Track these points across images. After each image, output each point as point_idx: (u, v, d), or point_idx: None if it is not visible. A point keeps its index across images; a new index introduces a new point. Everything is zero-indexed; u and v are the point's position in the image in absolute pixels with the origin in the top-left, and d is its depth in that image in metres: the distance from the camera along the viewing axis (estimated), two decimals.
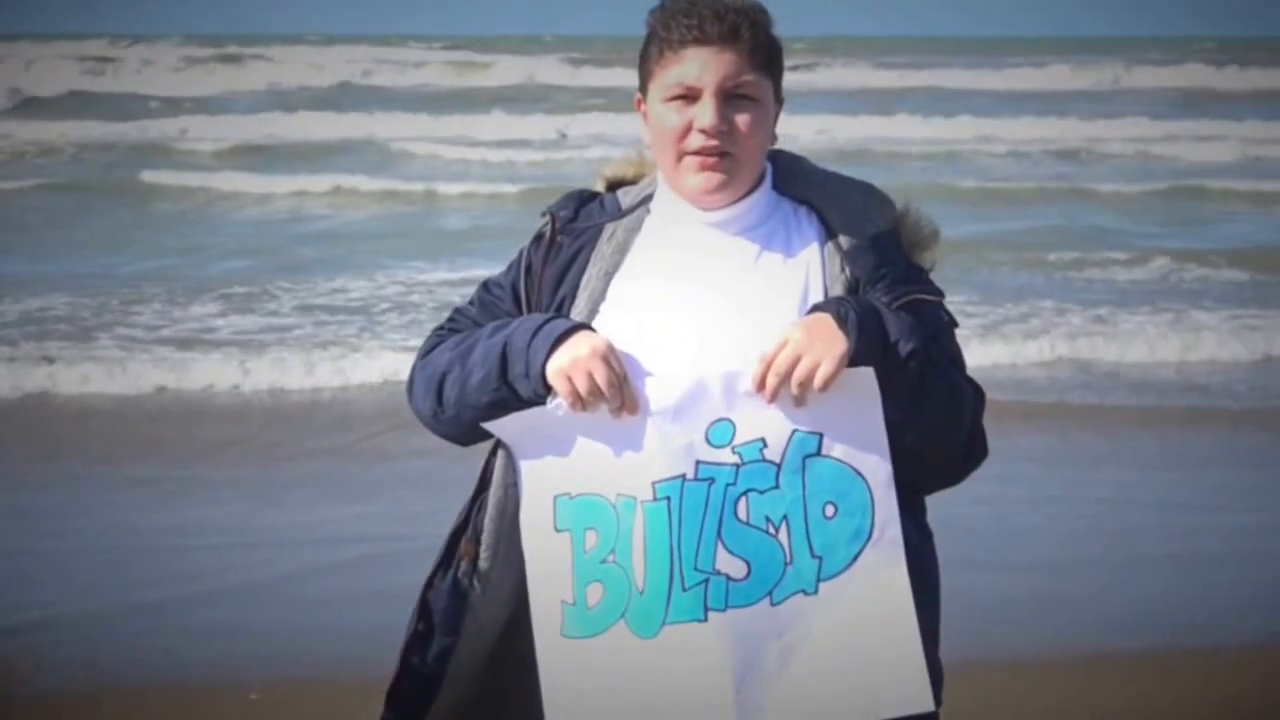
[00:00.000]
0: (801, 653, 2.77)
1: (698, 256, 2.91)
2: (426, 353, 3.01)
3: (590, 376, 2.74)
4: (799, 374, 2.73)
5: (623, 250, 2.95)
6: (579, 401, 2.76)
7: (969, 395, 2.91)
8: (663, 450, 2.76)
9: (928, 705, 2.80)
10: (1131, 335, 12.47)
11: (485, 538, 2.95)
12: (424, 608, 2.99)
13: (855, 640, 2.78)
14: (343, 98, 38.47)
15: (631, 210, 3.00)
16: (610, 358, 2.76)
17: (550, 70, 47.84)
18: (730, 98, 2.86)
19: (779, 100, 2.96)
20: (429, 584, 3.00)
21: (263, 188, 22.51)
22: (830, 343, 2.73)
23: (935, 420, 2.83)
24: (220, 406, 10.61)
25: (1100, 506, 8.19)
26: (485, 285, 3.08)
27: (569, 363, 2.76)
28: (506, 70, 46.99)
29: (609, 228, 2.99)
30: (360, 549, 7.55)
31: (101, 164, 25.59)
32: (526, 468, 2.85)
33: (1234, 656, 6.17)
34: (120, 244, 17.99)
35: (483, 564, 2.95)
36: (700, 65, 2.85)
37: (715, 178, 2.88)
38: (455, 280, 15.28)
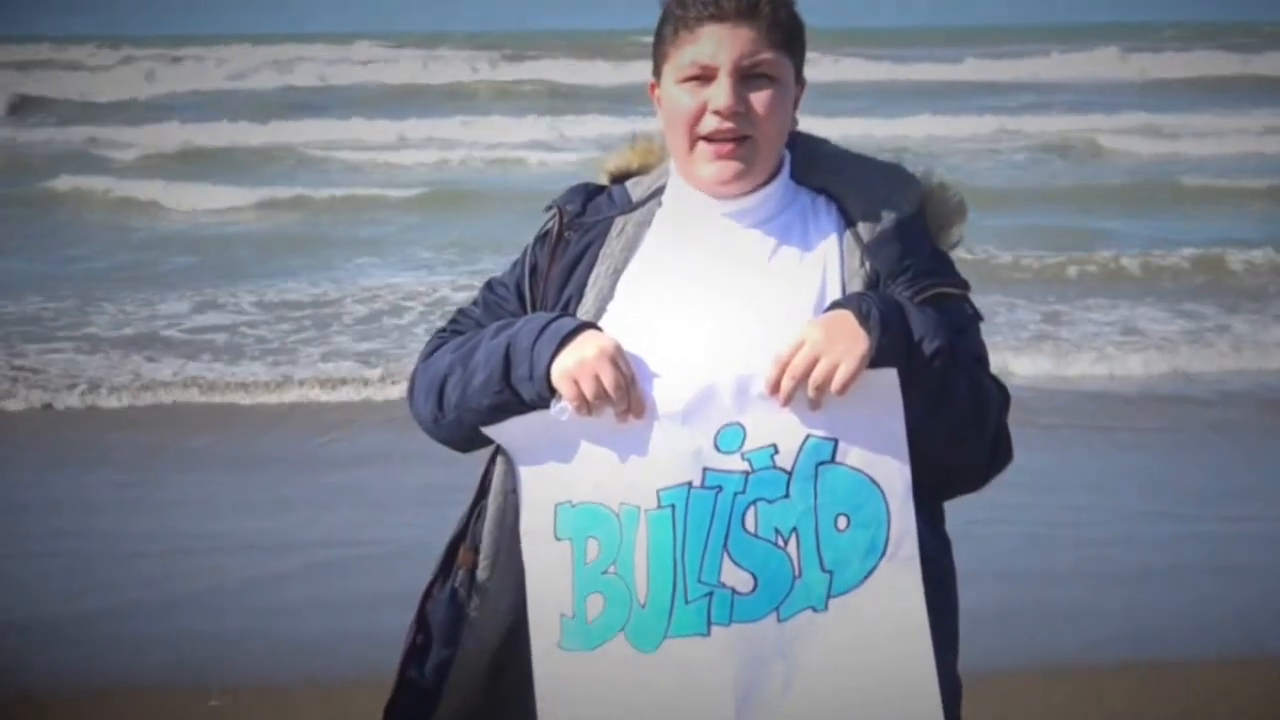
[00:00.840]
0: (807, 672, 2.66)
1: (711, 251, 2.79)
2: (428, 355, 2.89)
3: (597, 379, 2.62)
4: (816, 376, 2.59)
5: (632, 246, 2.82)
6: (585, 405, 2.63)
7: (994, 396, 2.77)
8: (669, 456, 2.64)
9: None
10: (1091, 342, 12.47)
11: (484, 547, 2.82)
12: (422, 619, 2.86)
13: (865, 661, 2.66)
14: (278, 101, 37.94)
15: (642, 203, 2.87)
16: (618, 359, 2.64)
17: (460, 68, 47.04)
18: (747, 77, 2.73)
19: (800, 82, 2.82)
20: (427, 594, 2.87)
21: (195, 194, 21.90)
22: (851, 342, 2.59)
23: (959, 423, 2.70)
24: (182, 413, 10.48)
25: (1072, 514, 8.13)
26: (489, 285, 2.95)
27: (575, 365, 2.63)
28: (447, 69, 46.51)
29: (618, 222, 2.86)
30: (324, 554, 7.45)
31: (34, 170, 25.14)
32: (527, 474, 2.74)
33: (1210, 670, 6.13)
34: (74, 245, 17.89)
35: (481, 574, 2.82)
36: (715, 43, 2.71)
37: (731, 166, 2.75)
38: (412, 282, 15.22)
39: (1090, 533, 7.79)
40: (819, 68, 42.73)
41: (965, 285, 2.82)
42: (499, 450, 2.83)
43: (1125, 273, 15.63)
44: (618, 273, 2.81)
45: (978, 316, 2.85)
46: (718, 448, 2.65)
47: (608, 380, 2.63)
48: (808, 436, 2.65)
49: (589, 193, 2.93)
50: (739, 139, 2.74)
